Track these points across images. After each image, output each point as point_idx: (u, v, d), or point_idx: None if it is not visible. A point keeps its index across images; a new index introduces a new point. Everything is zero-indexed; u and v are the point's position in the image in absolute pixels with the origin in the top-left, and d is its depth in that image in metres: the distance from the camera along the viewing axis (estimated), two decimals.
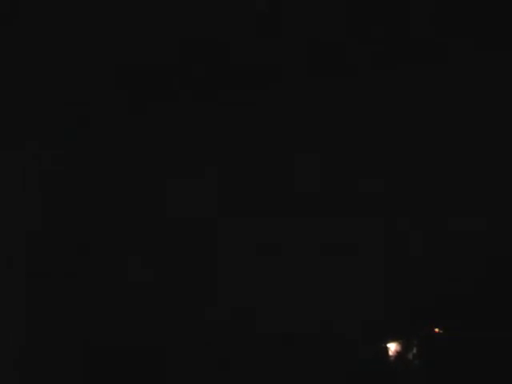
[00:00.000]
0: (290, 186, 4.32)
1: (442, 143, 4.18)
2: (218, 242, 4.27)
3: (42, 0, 3.94)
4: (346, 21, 4.08)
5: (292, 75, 4.29)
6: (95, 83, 4.31)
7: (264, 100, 4.33)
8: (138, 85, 4.36)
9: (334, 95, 4.29)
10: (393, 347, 3.88)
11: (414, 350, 3.87)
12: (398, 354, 3.87)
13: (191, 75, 4.32)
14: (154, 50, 4.24)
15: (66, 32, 4.10)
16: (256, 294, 4.18)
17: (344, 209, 4.24)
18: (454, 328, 3.91)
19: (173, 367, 4.15)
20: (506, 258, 4.01)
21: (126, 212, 4.36)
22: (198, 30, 4.14)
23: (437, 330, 3.91)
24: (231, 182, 4.34)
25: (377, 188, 4.25)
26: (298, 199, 4.28)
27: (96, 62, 4.24)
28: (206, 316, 4.17)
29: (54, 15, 3.99)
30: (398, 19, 4.08)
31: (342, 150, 4.28)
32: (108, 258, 4.30)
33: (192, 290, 4.23)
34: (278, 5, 4.02)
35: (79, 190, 4.37)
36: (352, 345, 3.97)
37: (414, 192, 4.20)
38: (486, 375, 3.80)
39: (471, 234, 4.06)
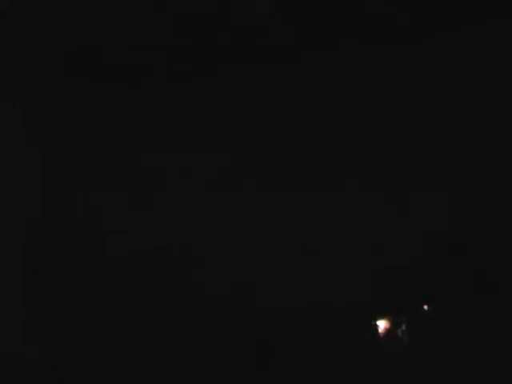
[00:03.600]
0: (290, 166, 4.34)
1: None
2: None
3: None
4: None
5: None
6: None
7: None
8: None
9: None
10: (382, 325, 3.89)
11: (403, 327, 3.87)
12: (388, 331, 3.87)
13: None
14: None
15: None
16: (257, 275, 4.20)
17: (324, 196, 4.26)
18: (442, 306, 3.93)
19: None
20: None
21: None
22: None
23: (426, 307, 3.92)
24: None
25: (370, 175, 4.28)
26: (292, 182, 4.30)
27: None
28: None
29: None
30: None
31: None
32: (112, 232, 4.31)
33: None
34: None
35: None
36: (342, 322, 3.98)
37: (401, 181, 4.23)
38: (474, 351, 3.82)
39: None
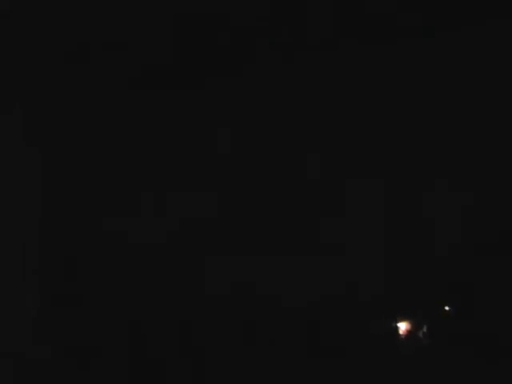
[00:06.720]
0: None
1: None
2: None
3: None
4: None
5: None
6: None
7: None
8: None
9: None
10: (403, 326, 3.87)
11: (424, 329, 3.85)
12: (409, 332, 3.85)
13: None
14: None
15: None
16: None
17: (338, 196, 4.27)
18: (464, 308, 3.91)
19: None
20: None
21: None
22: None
23: (447, 308, 3.91)
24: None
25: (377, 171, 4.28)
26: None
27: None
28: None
29: None
30: None
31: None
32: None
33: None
34: None
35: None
36: (363, 324, 3.97)
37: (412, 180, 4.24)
38: (495, 355, 3.80)
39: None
